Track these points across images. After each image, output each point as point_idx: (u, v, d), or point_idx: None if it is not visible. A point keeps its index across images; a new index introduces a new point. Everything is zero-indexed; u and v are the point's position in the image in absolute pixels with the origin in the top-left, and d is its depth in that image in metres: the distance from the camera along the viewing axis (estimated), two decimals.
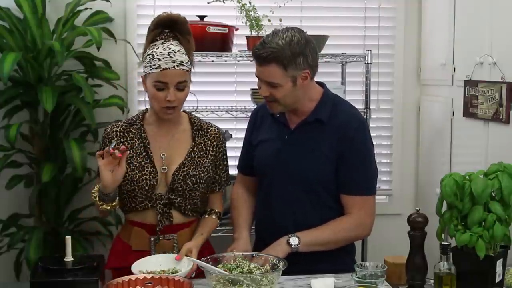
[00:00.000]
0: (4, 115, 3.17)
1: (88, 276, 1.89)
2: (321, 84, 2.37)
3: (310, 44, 2.20)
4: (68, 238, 1.99)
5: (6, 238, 3.16)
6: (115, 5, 3.31)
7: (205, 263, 1.95)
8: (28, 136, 3.22)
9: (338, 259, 2.29)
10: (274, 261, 1.99)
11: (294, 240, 2.20)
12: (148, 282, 1.79)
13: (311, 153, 2.27)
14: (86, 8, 3.23)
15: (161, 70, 2.14)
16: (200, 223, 2.33)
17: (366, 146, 2.30)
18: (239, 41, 3.24)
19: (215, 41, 3.08)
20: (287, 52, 2.14)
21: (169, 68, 2.14)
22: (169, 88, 2.16)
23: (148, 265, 2.04)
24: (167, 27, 2.23)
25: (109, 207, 2.18)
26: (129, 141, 2.27)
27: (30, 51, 3.10)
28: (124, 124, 2.32)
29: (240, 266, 1.97)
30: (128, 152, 2.17)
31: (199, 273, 2.09)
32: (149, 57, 2.17)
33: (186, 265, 2.05)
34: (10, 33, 3.09)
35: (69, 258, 1.98)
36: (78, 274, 1.91)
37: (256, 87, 2.35)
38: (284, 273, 1.97)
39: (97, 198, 2.17)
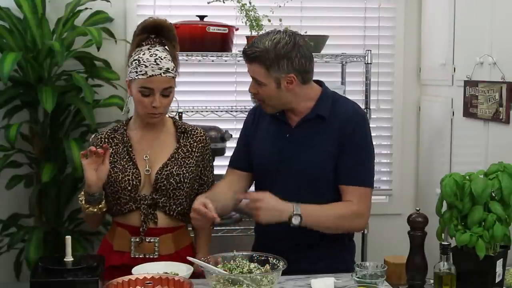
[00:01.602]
0: (4, 115, 3.17)
1: (88, 276, 1.88)
2: (319, 82, 2.37)
3: (298, 49, 2.19)
4: (68, 238, 1.98)
5: (6, 238, 3.16)
6: (115, 5, 3.31)
7: (205, 263, 1.94)
8: (28, 136, 3.22)
9: (338, 258, 2.29)
10: (274, 261, 1.99)
11: (296, 219, 2.13)
12: (148, 282, 1.80)
13: (313, 149, 2.27)
14: (86, 8, 3.23)
15: (147, 77, 2.14)
16: None
17: (366, 140, 2.30)
18: (239, 41, 3.24)
19: (215, 41, 3.08)
20: (270, 54, 2.16)
21: (155, 75, 2.14)
22: (154, 94, 2.16)
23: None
24: (153, 32, 2.23)
25: (95, 209, 2.18)
26: (114, 147, 2.27)
27: (30, 51, 3.10)
28: (108, 131, 2.33)
29: (240, 266, 1.96)
30: (111, 150, 2.19)
31: (198, 273, 2.09)
32: (135, 63, 2.16)
33: (185, 271, 2.04)
34: (10, 33, 3.09)
35: (69, 258, 1.97)
36: (78, 274, 1.90)
37: None
38: (284, 273, 1.96)
39: (83, 202, 2.19)
